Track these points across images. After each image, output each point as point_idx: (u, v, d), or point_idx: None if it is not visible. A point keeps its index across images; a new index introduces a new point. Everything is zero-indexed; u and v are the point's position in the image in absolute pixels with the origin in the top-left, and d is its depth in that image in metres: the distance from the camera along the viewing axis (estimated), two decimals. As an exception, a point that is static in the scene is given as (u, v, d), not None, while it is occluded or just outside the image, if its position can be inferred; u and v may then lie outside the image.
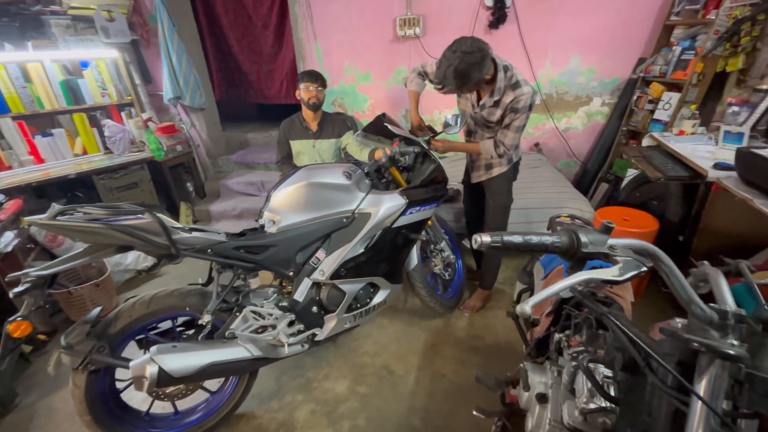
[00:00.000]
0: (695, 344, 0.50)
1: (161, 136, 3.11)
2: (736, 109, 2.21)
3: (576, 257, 0.57)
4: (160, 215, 1.31)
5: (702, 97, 2.56)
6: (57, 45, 2.76)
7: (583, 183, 3.28)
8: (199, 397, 1.56)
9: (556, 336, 1.11)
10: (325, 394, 1.73)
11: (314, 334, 1.62)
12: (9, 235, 2.09)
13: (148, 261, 2.78)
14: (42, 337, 2.13)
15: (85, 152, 3.02)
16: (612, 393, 0.79)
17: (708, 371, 0.51)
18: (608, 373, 0.85)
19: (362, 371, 1.85)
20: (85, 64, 2.93)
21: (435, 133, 1.95)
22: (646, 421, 0.62)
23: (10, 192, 2.43)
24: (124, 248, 1.29)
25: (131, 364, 1.23)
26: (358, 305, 1.72)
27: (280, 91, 3.95)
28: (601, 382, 0.81)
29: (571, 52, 2.97)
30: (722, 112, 2.52)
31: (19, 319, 1.13)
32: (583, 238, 0.56)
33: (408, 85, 1.99)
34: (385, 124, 1.84)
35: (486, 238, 0.57)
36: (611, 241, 0.57)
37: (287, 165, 2.41)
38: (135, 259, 2.71)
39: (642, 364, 0.63)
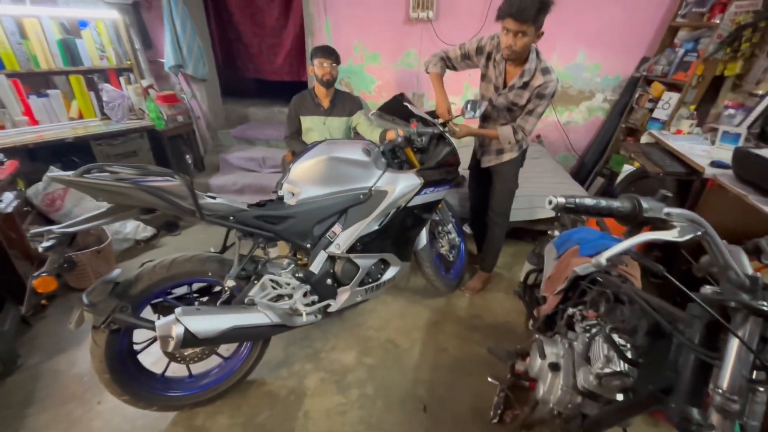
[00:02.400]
0: (733, 303, 0.57)
1: (162, 104, 3.03)
2: (732, 111, 2.32)
3: (637, 221, 0.62)
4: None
5: (699, 99, 2.67)
6: (56, 1, 2.63)
7: (579, 176, 3.38)
8: (212, 362, 1.59)
9: (570, 311, 1.18)
10: (333, 364, 1.79)
11: (327, 305, 1.66)
12: (8, 195, 2.03)
13: (147, 231, 2.75)
14: (42, 301, 2.10)
15: (81, 116, 2.92)
16: (630, 357, 0.87)
17: (742, 327, 0.58)
18: (622, 341, 0.93)
19: (368, 344, 1.91)
20: (84, 24, 2.80)
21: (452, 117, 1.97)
22: (670, 376, 0.69)
23: (5, 153, 2.33)
24: (148, 210, 1.29)
25: (158, 323, 1.24)
26: (370, 280, 1.77)
27: (283, 67, 3.87)
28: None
29: (579, 46, 3.03)
30: (716, 114, 2.64)
31: (44, 274, 1.12)
32: (645, 204, 0.61)
33: (429, 69, 1.96)
34: (405, 104, 1.86)
35: (561, 199, 0.62)
36: (667, 208, 0.62)
37: (296, 141, 2.41)
38: (134, 229, 2.67)
39: (669, 328, 0.70)
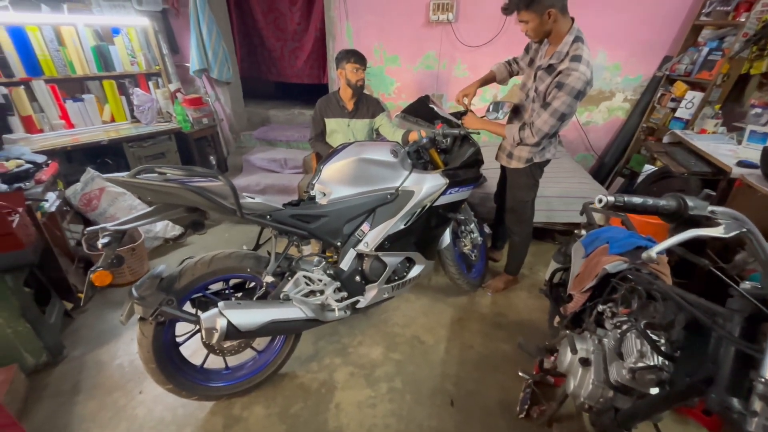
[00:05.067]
0: None
1: (188, 107, 3.13)
2: (758, 110, 2.30)
3: (682, 218, 0.66)
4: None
5: (724, 98, 2.65)
6: (91, 9, 2.75)
7: (599, 176, 3.37)
8: (247, 355, 1.65)
9: (600, 308, 1.21)
10: (361, 359, 1.84)
11: (356, 301, 1.71)
12: (51, 195, 2.14)
13: (176, 230, 2.84)
14: (81, 295, 2.20)
15: (113, 120, 3.04)
16: (665, 351, 0.90)
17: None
18: (656, 336, 0.96)
19: (394, 340, 1.96)
20: (116, 31, 2.92)
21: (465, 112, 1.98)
22: (710, 368, 0.72)
23: (44, 155, 2.46)
24: (191, 210, 1.36)
25: (203, 316, 1.31)
26: (396, 277, 1.82)
27: (304, 70, 3.95)
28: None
29: (599, 47, 3.03)
30: (742, 113, 2.61)
31: (100, 269, 1.20)
32: (690, 203, 0.64)
33: (492, 67, 2.03)
34: (431, 105, 1.90)
35: (611, 198, 0.66)
36: (711, 207, 0.66)
37: (320, 143, 2.47)
38: (164, 228, 2.77)
39: (708, 323, 0.73)
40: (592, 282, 1.27)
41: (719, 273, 0.72)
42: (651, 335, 0.95)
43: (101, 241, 1.20)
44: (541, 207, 2.52)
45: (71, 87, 2.88)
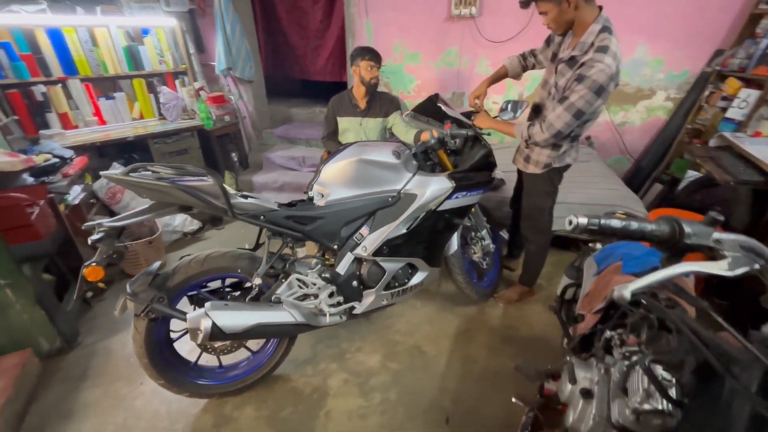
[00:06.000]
0: None
1: (211, 105, 3.21)
2: (826, 111, 1.99)
3: (676, 248, 0.54)
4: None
5: (785, 97, 2.33)
6: (122, 11, 2.88)
7: (635, 182, 3.10)
8: (241, 354, 1.65)
9: (608, 333, 1.08)
10: (358, 366, 1.79)
11: (353, 307, 1.66)
12: (76, 188, 2.26)
13: (194, 224, 2.93)
14: (101, 285, 2.31)
15: (141, 116, 3.18)
16: (673, 395, 0.77)
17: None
18: (667, 375, 0.82)
19: (394, 348, 1.89)
20: (146, 32, 3.04)
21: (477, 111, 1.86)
22: (720, 425, 0.60)
23: (77, 150, 2.60)
24: (186, 208, 1.36)
25: (188, 316, 1.31)
26: (396, 284, 1.74)
27: (325, 67, 3.95)
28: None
29: (639, 40, 2.77)
30: (807, 114, 2.28)
31: (93, 264, 1.23)
32: (687, 229, 0.53)
33: (504, 61, 1.90)
34: (439, 104, 1.81)
35: (583, 220, 0.55)
36: (717, 234, 0.53)
37: (332, 141, 2.44)
38: (182, 222, 2.86)
39: (721, 369, 0.60)
40: (601, 304, 1.14)
41: (719, 319, 0.59)
42: (659, 374, 0.81)
43: (93, 237, 1.22)
44: (563, 214, 2.31)
45: (104, 85, 3.04)
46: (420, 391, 1.66)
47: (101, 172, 1.33)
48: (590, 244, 1.43)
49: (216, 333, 1.30)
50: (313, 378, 1.73)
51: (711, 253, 0.54)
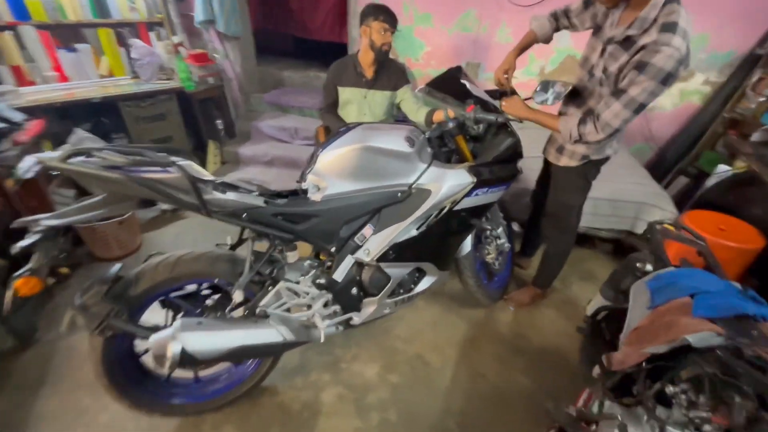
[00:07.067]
0: None
1: (192, 64, 2.82)
2: None
3: None
4: (189, 166, 1.09)
5: None
6: (81, -57, 2.40)
7: (656, 174, 2.84)
8: (221, 365, 1.44)
9: (670, 389, 0.88)
10: (354, 378, 1.60)
11: (350, 318, 1.45)
12: (29, 160, 1.93)
13: (174, 201, 2.63)
14: (64, 270, 2.05)
15: (111, 74, 2.78)
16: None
17: None
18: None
19: (394, 357, 1.70)
20: (112, -30, 2.58)
21: (511, 93, 1.57)
22: None
23: (33, 111, 2.24)
24: (148, 202, 1.09)
25: (152, 338, 1.08)
26: (401, 291, 1.53)
27: (324, 24, 3.51)
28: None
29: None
30: None
31: (27, 274, 0.97)
32: None
33: (531, 25, 1.58)
34: (463, 81, 1.50)
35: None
36: None
37: (330, 114, 2.12)
38: (160, 198, 2.56)
39: None
40: (662, 347, 0.93)
41: None
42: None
43: (20, 244, 0.95)
44: (585, 209, 2.12)
45: (64, 34, 2.61)
46: (422, 411, 1.49)
47: (37, 155, 1.03)
48: (638, 264, 1.20)
49: (187, 359, 1.07)
50: (303, 391, 1.54)
51: None
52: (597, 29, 1.40)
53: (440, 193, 1.36)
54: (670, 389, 0.87)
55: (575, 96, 1.50)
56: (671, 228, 1.29)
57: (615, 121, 1.24)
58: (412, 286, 1.55)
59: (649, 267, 1.17)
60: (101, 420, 1.41)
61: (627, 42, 1.23)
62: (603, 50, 1.33)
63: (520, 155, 1.60)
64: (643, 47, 1.16)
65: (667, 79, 1.15)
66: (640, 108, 1.21)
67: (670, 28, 1.11)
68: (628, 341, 1.06)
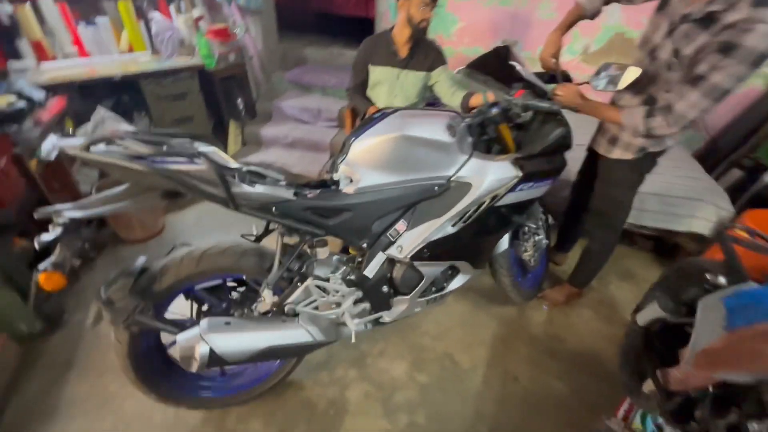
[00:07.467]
0: None
1: (213, 40, 2.70)
2: None
3: None
4: (214, 153, 1.00)
5: None
6: None
7: (705, 164, 2.63)
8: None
9: (754, 427, 0.78)
10: (381, 375, 1.55)
11: (380, 317, 1.38)
12: (51, 140, 1.89)
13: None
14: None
15: (131, 49, 2.69)
16: None
17: None
18: None
19: (422, 355, 1.64)
20: (130, -63, 2.45)
21: (567, 79, 1.42)
22: None
23: (55, 89, 2.18)
24: (173, 193, 1.02)
25: (179, 337, 1.03)
26: (434, 289, 1.44)
27: (349, -1, 3.32)
28: None
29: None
30: None
31: (50, 269, 0.92)
32: None
33: None
34: (511, 62, 1.35)
35: None
36: None
37: (359, 95, 1.99)
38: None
39: None
40: (745, 377, 0.82)
41: None
42: None
43: (43, 238, 0.89)
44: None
45: (83, 7, 2.52)
46: (452, 414, 1.43)
47: (60, 143, 0.97)
48: (708, 276, 1.07)
49: (215, 360, 1.02)
50: (329, 388, 1.50)
51: None
52: (663, 4, 1.23)
53: (482, 188, 1.24)
54: (754, 427, 0.77)
55: (634, 83, 1.33)
56: (744, 234, 1.15)
57: (692, 112, 1.10)
58: (445, 284, 1.46)
59: (721, 280, 1.04)
60: (128, 408, 1.40)
61: (706, 19, 1.06)
62: (672, 29, 1.16)
63: (569, 146, 1.46)
64: (729, 26, 1.00)
65: (758, 61, 0.99)
66: (724, 95, 1.07)
67: (763, 1, 0.95)
68: (696, 362, 0.95)
